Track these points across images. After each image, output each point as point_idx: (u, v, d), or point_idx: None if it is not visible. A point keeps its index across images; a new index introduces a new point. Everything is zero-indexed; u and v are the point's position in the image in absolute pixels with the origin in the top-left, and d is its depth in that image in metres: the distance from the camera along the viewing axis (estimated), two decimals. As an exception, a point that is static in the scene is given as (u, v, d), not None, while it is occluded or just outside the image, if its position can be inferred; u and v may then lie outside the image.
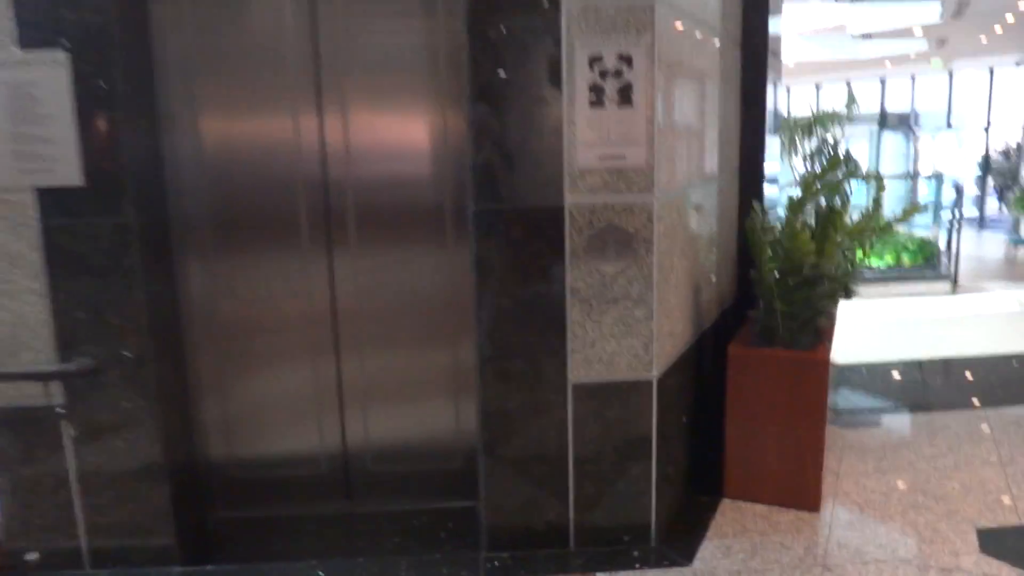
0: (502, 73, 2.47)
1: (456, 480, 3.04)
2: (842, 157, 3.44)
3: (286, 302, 2.95)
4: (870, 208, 3.23)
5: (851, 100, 3.78)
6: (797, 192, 3.22)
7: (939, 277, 7.45)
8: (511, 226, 2.56)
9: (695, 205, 3.05)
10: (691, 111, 2.93)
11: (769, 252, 3.09)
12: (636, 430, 2.69)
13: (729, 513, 2.98)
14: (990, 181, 16.61)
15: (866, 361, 4.96)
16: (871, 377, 4.72)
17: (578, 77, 2.46)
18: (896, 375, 4.77)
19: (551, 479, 2.71)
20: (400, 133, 2.87)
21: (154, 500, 2.72)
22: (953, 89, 16.66)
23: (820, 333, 3.14)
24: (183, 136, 2.79)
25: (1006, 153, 16.65)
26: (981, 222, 14.40)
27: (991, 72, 15.93)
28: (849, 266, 3.22)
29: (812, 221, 3.24)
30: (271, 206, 2.88)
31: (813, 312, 3.05)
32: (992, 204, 16.44)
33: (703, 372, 3.27)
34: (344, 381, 3.02)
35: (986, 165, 16.49)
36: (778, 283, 3.05)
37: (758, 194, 3.72)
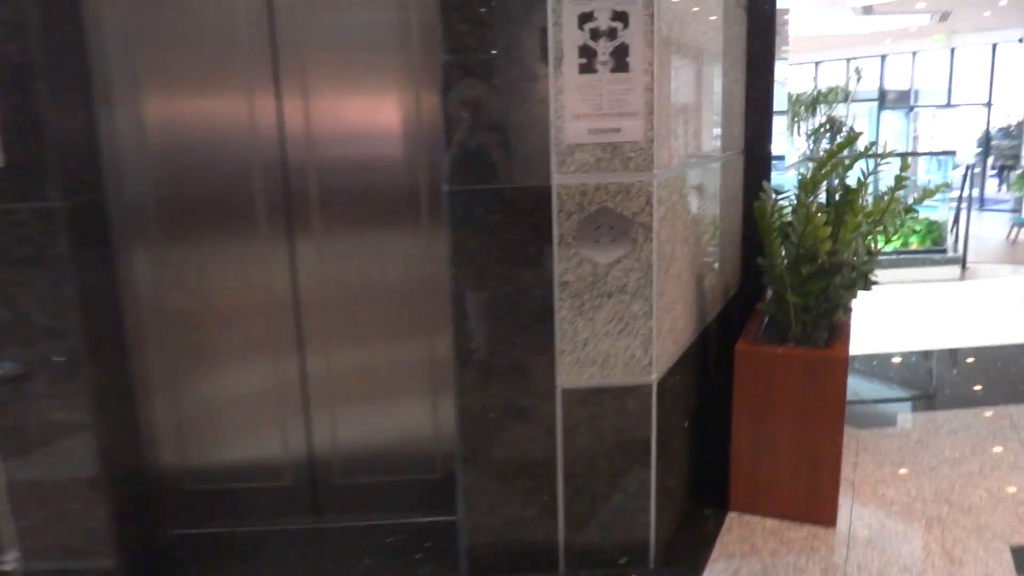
0: (478, 34, 2.15)
1: (435, 492, 2.76)
2: (853, 134, 3.15)
3: (243, 294, 2.69)
4: (889, 188, 2.92)
5: (857, 75, 3.49)
6: (808, 171, 2.91)
7: (947, 260, 7.16)
8: (491, 209, 2.25)
9: (698, 185, 2.73)
10: (693, 79, 2.61)
11: (780, 238, 2.80)
12: (633, 439, 2.39)
13: (736, 529, 2.69)
14: (990, 160, 16.36)
15: (877, 352, 4.67)
16: (883, 369, 4.43)
17: (566, 38, 2.13)
18: (909, 367, 4.50)
19: (538, 494, 2.42)
20: (368, 111, 2.59)
21: (93, 518, 2.43)
22: (954, 66, 16.33)
23: (836, 328, 2.84)
24: (124, 114, 2.51)
25: (1007, 131, 16.39)
26: (981, 202, 14.12)
27: (993, 49, 15.61)
28: (867, 253, 2.91)
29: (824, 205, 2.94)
30: (224, 191, 2.61)
31: (829, 305, 2.76)
32: (992, 184, 16.19)
33: (706, 372, 2.97)
34: (309, 382, 2.75)
35: (986, 143, 16.23)
36: (790, 272, 2.75)
37: (766, 173, 3.40)
